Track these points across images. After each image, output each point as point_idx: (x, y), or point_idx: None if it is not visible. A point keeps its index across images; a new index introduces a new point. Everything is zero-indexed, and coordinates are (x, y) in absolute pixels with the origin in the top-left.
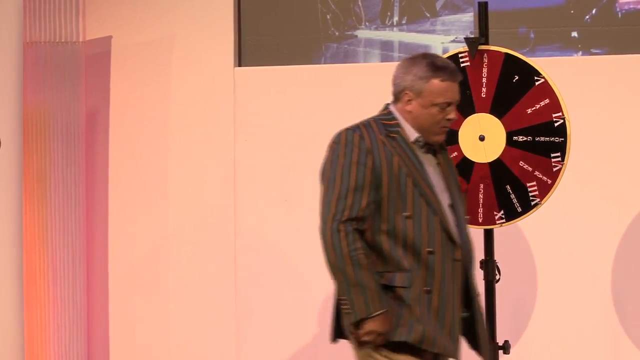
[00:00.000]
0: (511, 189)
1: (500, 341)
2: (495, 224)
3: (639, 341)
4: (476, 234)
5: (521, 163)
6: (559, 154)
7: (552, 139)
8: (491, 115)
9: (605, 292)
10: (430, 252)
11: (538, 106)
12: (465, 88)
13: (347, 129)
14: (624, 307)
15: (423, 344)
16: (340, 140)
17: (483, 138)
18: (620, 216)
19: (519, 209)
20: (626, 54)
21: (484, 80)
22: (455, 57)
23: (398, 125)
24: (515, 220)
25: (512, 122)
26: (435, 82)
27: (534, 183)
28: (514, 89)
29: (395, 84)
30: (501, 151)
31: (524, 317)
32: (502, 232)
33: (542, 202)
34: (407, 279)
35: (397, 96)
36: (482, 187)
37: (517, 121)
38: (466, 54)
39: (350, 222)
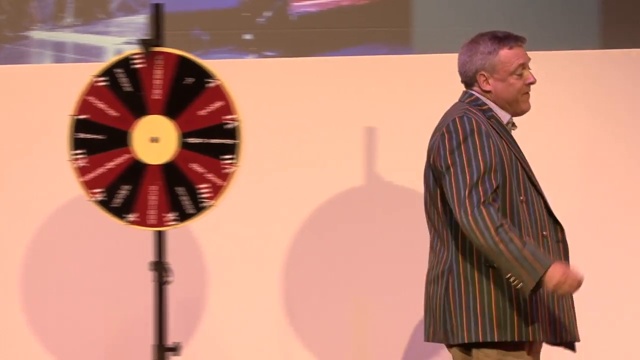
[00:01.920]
0: (183, 190)
1: (170, 343)
2: (166, 225)
3: (309, 340)
4: (147, 235)
5: (193, 165)
6: (231, 156)
7: (225, 141)
8: (164, 117)
9: (275, 292)
10: (544, 236)
11: (211, 108)
12: (138, 90)
13: (460, 117)
14: (293, 307)
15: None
16: (457, 128)
17: (156, 140)
18: (293, 218)
19: (191, 211)
20: (299, 56)
21: (158, 82)
22: (128, 59)
23: (490, 109)
24: (186, 222)
25: (185, 124)
26: (504, 52)
27: (206, 185)
28: (188, 91)
29: (464, 72)
30: (174, 153)
31: (195, 318)
32: (174, 234)
33: (215, 203)
34: None
35: (471, 82)
36: (153, 189)
37: (190, 123)
38: (140, 55)
39: (489, 204)
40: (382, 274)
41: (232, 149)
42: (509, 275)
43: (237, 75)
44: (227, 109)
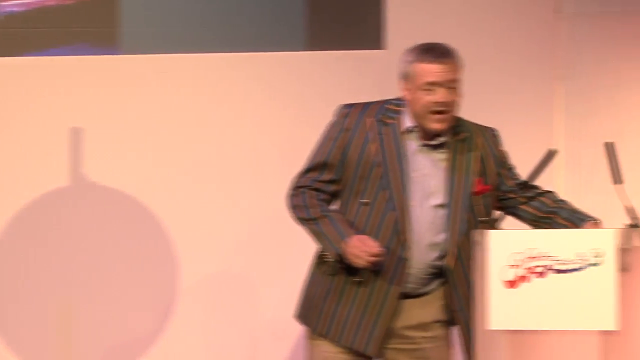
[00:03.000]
0: None
1: None
2: None
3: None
4: None
5: None
6: None
7: None
8: None
9: None
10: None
11: None
12: None
13: (344, 104)
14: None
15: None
16: (335, 113)
17: None
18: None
19: None
20: (8, 56)
21: None
22: None
23: (400, 112)
24: None
25: None
26: (419, 65)
27: None
28: None
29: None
30: None
31: None
32: None
33: None
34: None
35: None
36: None
37: None
38: None
39: (305, 191)
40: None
41: None
42: (322, 250)
43: None
44: None
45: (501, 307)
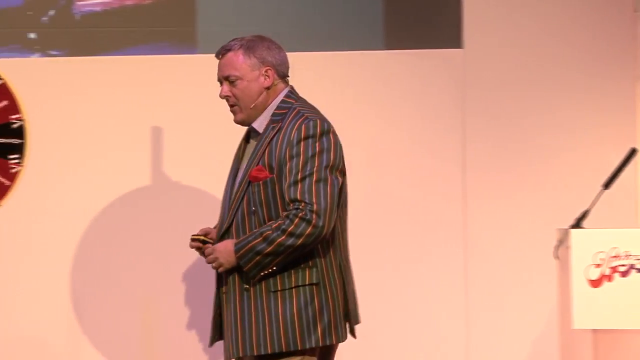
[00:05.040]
0: None
1: None
2: None
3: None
4: None
5: None
6: (17, 155)
7: (10, 140)
8: None
9: (63, 290)
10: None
11: None
12: None
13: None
14: (80, 307)
15: None
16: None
17: None
18: (80, 217)
19: None
20: (85, 55)
21: None
22: None
23: None
24: None
25: None
26: None
27: None
28: None
29: None
30: None
31: None
32: None
33: (1, 204)
34: None
35: None
36: None
37: None
38: None
39: None
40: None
41: (17, 149)
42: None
43: (21, 75)
44: (12, 108)
45: (585, 307)
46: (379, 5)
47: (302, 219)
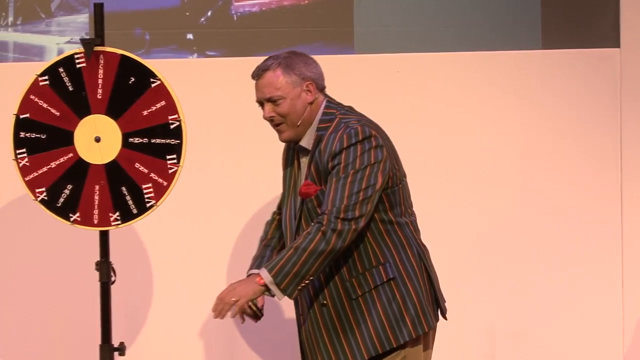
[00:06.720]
0: (127, 190)
1: (115, 343)
2: (110, 225)
3: (250, 340)
4: (92, 235)
5: (137, 165)
6: (174, 155)
7: (167, 140)
8: (107, 117)
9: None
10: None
11: (154, 108)
12: (81, 89)
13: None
14: None
15: None
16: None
17: (99, 139)
18: (237, 218)
19: (135, 211)
20: (242, 56)
21: (100, 81)
22: (70, 59)
23: None
24: (130, 222)
25: (128, 124)
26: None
27: (150, 185)
28: (130, 91)
29: None
30: (117, 153)
31: (139, 318)
32: (118, 234)
33: (158, 203)
34: None
35: None
36: (97, 188)
37: (133, 123)
38: (82, 55)
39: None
40: None
41: (175, 149)
42: None
43: (179, 75)
44: (170, 108)
45: None
46: (537, 5)
47: (326, 229)
